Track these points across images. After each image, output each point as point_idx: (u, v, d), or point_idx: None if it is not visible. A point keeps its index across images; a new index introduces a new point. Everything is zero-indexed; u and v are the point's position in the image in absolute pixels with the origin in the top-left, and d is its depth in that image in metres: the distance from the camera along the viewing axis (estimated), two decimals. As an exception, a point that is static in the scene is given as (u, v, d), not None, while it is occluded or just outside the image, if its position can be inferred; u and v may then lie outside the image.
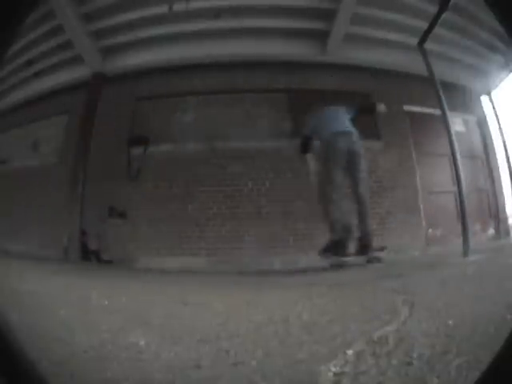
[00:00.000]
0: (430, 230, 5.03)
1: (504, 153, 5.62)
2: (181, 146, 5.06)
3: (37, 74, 5.50)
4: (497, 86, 5.82)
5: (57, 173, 5.19)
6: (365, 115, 4.14)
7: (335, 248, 3.42)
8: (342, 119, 3.77)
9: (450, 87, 4.57)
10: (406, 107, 5.39)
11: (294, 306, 1.93)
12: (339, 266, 3.35)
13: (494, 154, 5.83)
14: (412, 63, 4.45)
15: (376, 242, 3.58)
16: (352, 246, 3.48)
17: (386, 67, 5.18)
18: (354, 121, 3.87)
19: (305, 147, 3.89)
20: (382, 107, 4.10)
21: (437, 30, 3.88)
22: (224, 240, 4.70)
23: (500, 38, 4.92)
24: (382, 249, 3.60)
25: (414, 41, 4.06)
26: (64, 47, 5.07)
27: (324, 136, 3.66)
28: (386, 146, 5.14)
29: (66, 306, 1.84)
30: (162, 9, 4.55)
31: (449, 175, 4.68)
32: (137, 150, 5.02)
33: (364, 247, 3.47)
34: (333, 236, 3.46)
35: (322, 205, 3.57)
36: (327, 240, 3.52)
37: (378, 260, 3.43)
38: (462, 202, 3.68)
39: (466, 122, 5.71)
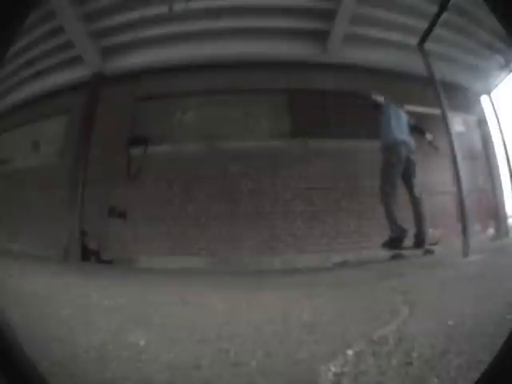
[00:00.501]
0: (430, 230, 5.03)
1: (504, 153, 5.62)
2: (181, 146, 5.06)
3: (37, 74, 5.50)
4: (497, 85, 5.82)
5: (57, 173, 5.19)
6: (414, 133, 4.39)
7: (393, 243, 3.88)
8: (403, 124, 4.19)
9: (450, 87, 4.57)
10: (406, 107, 5.38)
11: (293, 305, 1.93)
12: (398, 257, 3.82)
13: (494, 153, 5.83)
14: (412, 63, 4.45)
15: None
16: (409, 241, 3.94)
17: (386, 67, 5.18)
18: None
19: (376, 105, 4.36)
20: (430, 136, 4.45)
21: (437, 30, 3.89)
22: (224, 240, 4.70)
23: (500, 38, 4.92)
24: (434, 243, 4.06)
25: (414, 41, 4.06)
26: (64, 47, 5.07)
27: (389, 140, 4.07)
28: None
29: (66, 306, 1.84)
30: (162, 9, 4.55)
31: (449, 175, 4.68)
32: (137, 150, 5.02)
33: (419, 242, 3.91)
34: (391, 234, 3.92)
35: (384, 205, 3.99)
36: (387, 236, 3.97)
37: (431, 252, 3.91)
38: (462, 202, 3.68)
39: (466, 122, 5.71)
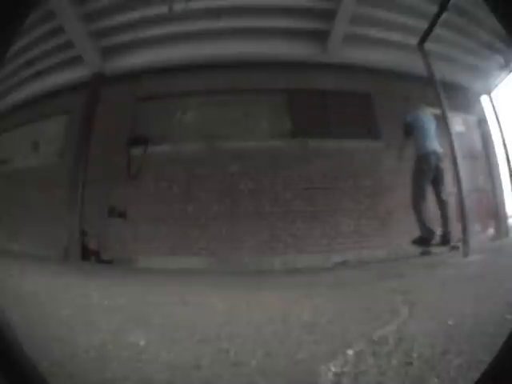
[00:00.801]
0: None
1: (504, 153, 5.61)
2: (181, 145, 5.05)
3: (37, 75, 5.49)
4: (497, 85, 5.81)
5: (57, 173, 5.19)
6: None
7: (422, 242, 4.24)
8: (433, 134, 4.45)
9: (450, 87, 4.57)
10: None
11: (293, 305, 1.93)
12: (428, 253, 4.20)
13: (494, 153, 5.83)
14: (412, 63, 4.45)
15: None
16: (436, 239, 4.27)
17: (386, 67, 5.17)
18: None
19: (407, 132, 4.63)
20: None
21: (437, 30, 3.88)
22: (224, 240, 4.70)
23: (500, 38, 4.91)
24: (459, 240, 4.21)
25: (414, 41, 4.06)
26: (64, 47, 5.06)
27: (420, 150, 4.40)
28: (386, 145, 5.14)
29: (66, 306, 1.84)
30: (162, 9, 4.55)
31: (449, 175, 4.69)
32: (137, 150, 5.01)
33: (446, 240, 4.21)
34: (421, 234, 4.24)
35: (414, 209, 4.29)
36: (417, 235, 4.27)
37: (457, 248, 4.14)
38: (462, 202, 3.69)
39: (466, 122, 5.70)
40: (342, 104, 5.29)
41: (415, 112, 4.55)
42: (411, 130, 4.54)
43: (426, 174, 4.31)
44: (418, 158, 4.41)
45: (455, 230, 4.20)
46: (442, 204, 4.31)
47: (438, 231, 4.23)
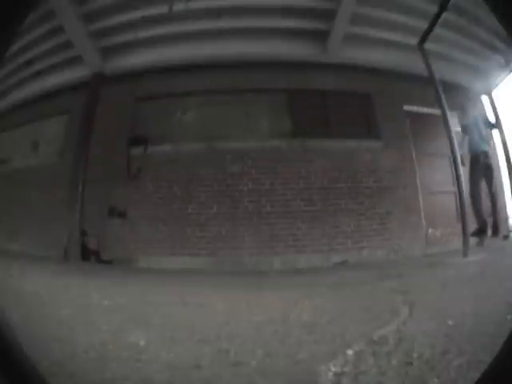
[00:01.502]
0: (430, 230, 5.04)
1: (504, 153, 5.61)
2: (181, 145, 5.05)
3: (37, 74, 5.49)
4: (497, 85, 5.81)
5: (57, 173, 5.19)
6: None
7: (480, 233, 4.52)
8: (485, 135, 4.86)
9: (450, 87, 4.57)
10: (406, 107, 5.39)
11: (293, 306, 1.93)
12: (482, 244, 4.46)
13: (495, 154, 5.82)
14: (412, 63, 4.45)
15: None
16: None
17: (386, 67, 5.17)
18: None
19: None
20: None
21: (437, 30, 3.88)
22: (224, 240, 4.70)
23: (500, 38, 4.91)
24: (509, 231, 4.93)
25: (414, 41, 4.06)
26: (64, 47, 5.06)
27: (471, 151, 4.77)
28: (386, 146, 5.14)
29: (66, 306, 1.84)
30: (162, 9, 4.55)
31: (449, 175, 4.70)
32: (137, 150, 5.02)
33: (496, 230, 4.63)
34: (479, 226, 4.53)
35: (473, 203, 4.50)
36: (474, 228, 4.51)
37: (507, 237, 4.83)
38: (462, 202, 3.69)
39: (466, 122, 5.69)
40: (341, 104, 5.29)
41: (473, 116, 4.84)
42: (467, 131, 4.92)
43: (477, 172, 4.66)
44: (471, 157, 4.72)
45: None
46: (492, 197, 4.71)
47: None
